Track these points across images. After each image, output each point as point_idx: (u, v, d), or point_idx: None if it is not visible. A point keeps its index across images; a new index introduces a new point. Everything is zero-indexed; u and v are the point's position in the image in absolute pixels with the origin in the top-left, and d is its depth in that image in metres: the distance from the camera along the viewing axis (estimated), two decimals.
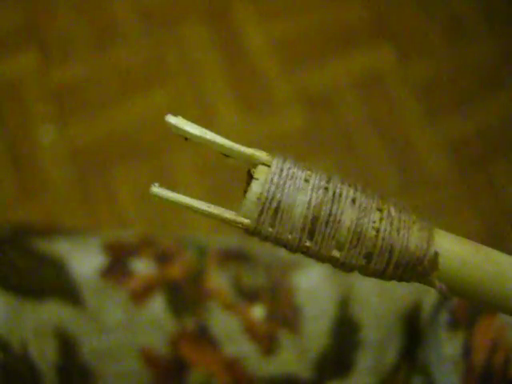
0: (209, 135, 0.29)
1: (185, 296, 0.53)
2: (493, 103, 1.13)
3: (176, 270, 0.54)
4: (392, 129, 1.12)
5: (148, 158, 1.08)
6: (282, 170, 0.29)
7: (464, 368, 0.47)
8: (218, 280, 0.53)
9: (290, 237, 0.28)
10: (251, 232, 0.29)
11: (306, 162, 0.29)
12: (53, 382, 0.50)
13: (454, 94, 1.14)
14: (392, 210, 0.29)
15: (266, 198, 0.28)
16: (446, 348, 0.48)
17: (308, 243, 0.29)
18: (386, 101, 1.13)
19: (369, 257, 0.29)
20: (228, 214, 0.29)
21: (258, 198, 0.28)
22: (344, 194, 0.28)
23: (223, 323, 0.52)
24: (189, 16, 1.18)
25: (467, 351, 0.47)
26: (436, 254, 0.28)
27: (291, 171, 0.28)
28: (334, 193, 0.28)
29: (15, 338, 0.48)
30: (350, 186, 0.29)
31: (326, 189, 0.28)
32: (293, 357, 0.52)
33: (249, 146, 0.30)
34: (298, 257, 0.30)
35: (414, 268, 0.28)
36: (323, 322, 0.53)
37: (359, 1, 1.19)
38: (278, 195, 0.28)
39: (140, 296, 0.52)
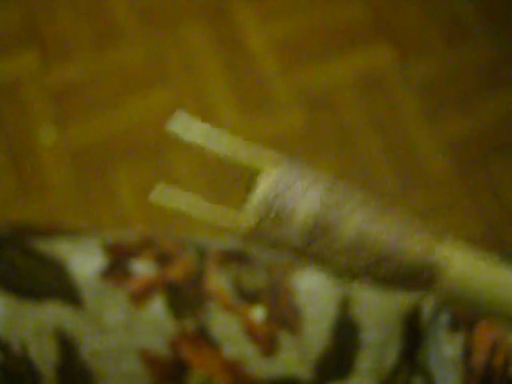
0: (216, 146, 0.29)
1: (185, 297, 0.53)
2: (492, 103, 1.14)
3: (176, 272, 0.53)
4: (392, 129, 1.12)
5: (148, 158, 1.08)
6: (284, 178, 0.29)
7: (464, 369, 0.47)
8: (218, 281, 0.53)
9: (290, 242, 0.29)
10: (251, 236, 0.29)
11: (312, 168, 0.29)
12: (52, 382, 0.50)
13: (454, 94, 1.14)
14: (395, 219, 0.29)
15: (268, 205, 0.28)
16: (447, 349, 0.48)
17: (308, 249, 0.29)
18: (385, 100, 1.13)
19: (369, 265, 0.29)
20: (230, 215, 0.29)
21: (261, 204, 0.28)
22: (346, 204, 0.28)
23: (223, 324, 0.52)
24: (189, 16, 1.18)
25: (467, 352, 0.47)
26: (439, 264, 0.28)
27: (294, 179, 0.28)
28: (336, 202, 0.28)
29: (15, 338, 0.48)
30: (352, 195, 0.29)
31: (327, 197, 0.28)
32: (293, 358, 0.52)
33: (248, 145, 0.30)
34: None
35: (417, 277, 0.28)
36: (323, 324, 0.53)
37: (359, 1, 1.19)
38: (279, 202, 0.28)
39: (140, 297, 0.52)
